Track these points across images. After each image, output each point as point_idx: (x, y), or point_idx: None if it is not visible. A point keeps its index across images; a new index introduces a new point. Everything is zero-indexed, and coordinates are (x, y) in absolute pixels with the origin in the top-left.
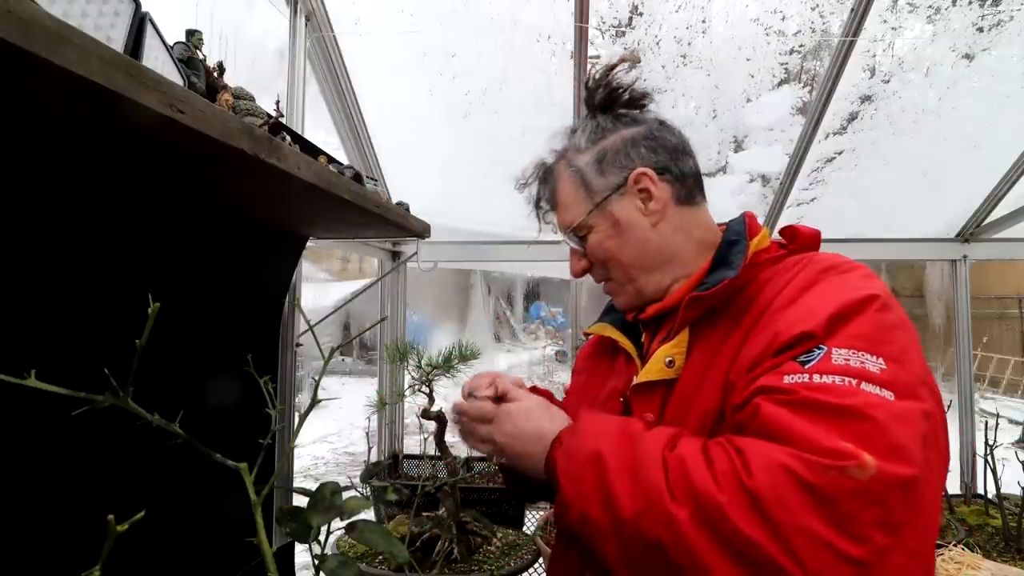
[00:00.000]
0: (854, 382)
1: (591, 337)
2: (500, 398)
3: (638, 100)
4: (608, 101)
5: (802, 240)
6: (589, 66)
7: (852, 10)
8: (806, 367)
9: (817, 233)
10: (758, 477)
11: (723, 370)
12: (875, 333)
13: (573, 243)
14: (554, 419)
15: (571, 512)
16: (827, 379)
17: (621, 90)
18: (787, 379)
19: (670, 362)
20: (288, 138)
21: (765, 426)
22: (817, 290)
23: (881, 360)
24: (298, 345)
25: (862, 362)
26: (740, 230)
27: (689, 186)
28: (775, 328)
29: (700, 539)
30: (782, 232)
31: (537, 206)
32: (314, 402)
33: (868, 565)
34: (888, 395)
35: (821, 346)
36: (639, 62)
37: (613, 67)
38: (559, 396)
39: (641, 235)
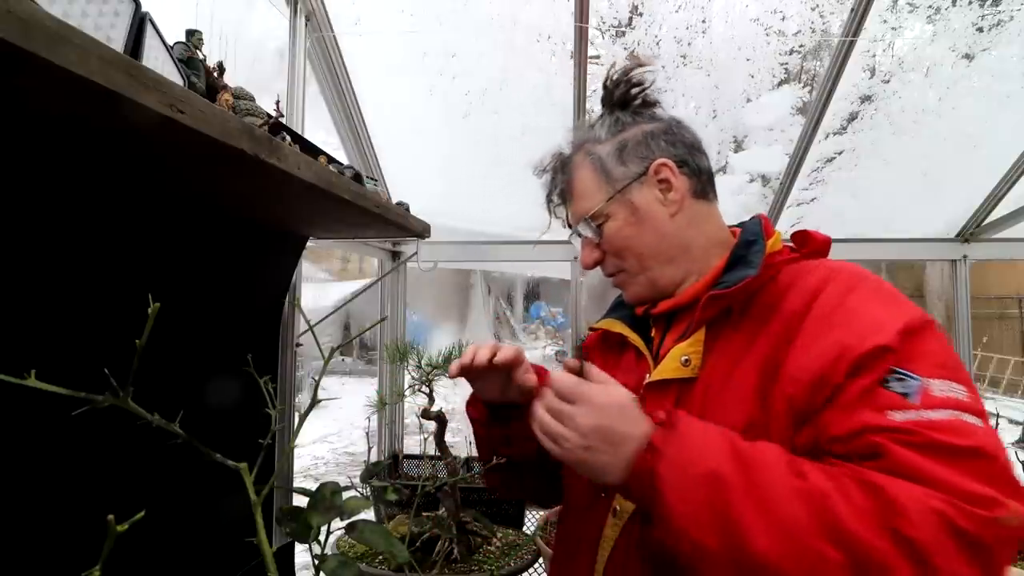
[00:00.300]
0: (961, 416)
1: (593, 333)
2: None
3: (652, 103)
4: (627, 98)
5: (814, 245)
6: (589, 66)
7: (852, 10)
8: (910, 400)
9: (828, 240)
10: (917, 524)
11: (753, 376)
12: (948, 359)
13: (588, 232)
14: (640, 420)
15: (683, 542)
16: (937, 415)
17: (641, 88)
18: (897, 416)
19: (686, 361)
20: (288, 138)
21: (900, 468)
22: (868, 299)
23: (963, 388)
24: (298, 345)
25: (955, 393)
26: (757, 231)
27: (704, 182)
28: (836, 339)
29: None
30: (794, 236)
31: (549, 199)
32: (314, 402)
33: None
34: (981, 424)
35: (914, 376)
36: (651, 66)
37: (632, 68)
38: None
39: (659, 225)
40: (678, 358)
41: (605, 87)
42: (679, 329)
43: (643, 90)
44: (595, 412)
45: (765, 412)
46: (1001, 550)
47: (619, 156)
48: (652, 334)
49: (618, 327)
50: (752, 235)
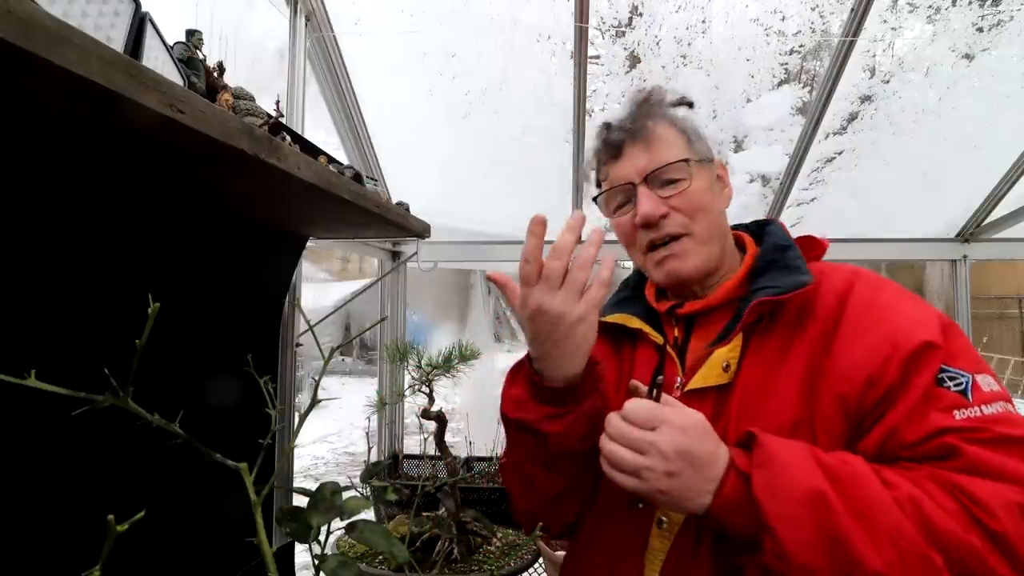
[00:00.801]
0: (1008, 407)
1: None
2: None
3: None
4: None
5: (819, 251)
6: (589, 66)
7: (852, 10)
8: (969, 399)
9: (828, 245)
10: (1002, 518)
11: (797, 378)
12: (976, 353)
13: (661, 186)
14: (719, 441)
15: (792, 564)
16: (991, 409)
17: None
18: (961, 414)
19: (727, 367)
20: (288, 138)
21: (976, 466)
22: (898, 297)
23: (995, 380)
24: (298, 345)
25: (995, 386)
26: (785, 236)
27: None
28: (882, 335)
29: None
30: (800, 241)
31: (610, 141)
32: (314, 402)
33: None
34: (1015, 411)
35: (962, 372)
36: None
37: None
38: None
39: (719, 208)
40: (719, 364)
41: (654, 90)
42: (710, 331)
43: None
44: (678, 434)
45: (811, 412)
46: None
47: (697, 133)
48: (674, 334)
49: (636, 323)
50: (784, 240)
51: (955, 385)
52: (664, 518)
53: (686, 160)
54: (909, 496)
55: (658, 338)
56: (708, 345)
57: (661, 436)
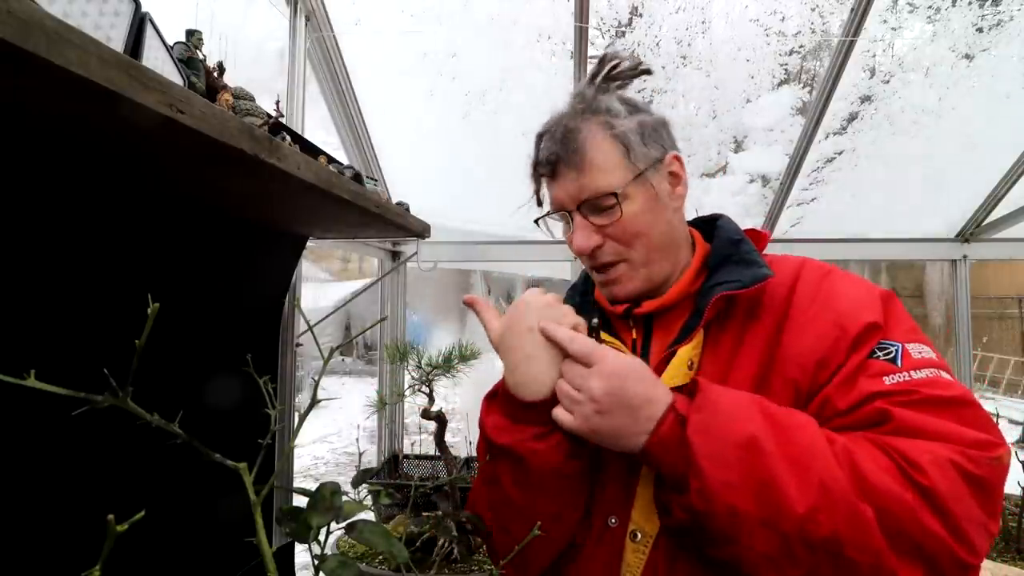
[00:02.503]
0: (939, 372)
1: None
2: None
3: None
4: (618, 74)
5: (763, 243)
6: (589, 66)
7: (852, 10)
8: (899, 365)
9: (770, 236)
10: (932, 475)
11: (752, 368)
12: (912, 324)
13: (595, 213)
14: (658, 384)
15: (716, 504)
16: (921, 374)
17: (636, 66)
18: (890, 379)
19: (691, 364)
20: (288, 138)
21: (905, 428)
22: (841, 281)
23: (929, 348)
24: (298, 345)
25: (926, 353)
26: (736, 229)
27: None
28: (830, 321)
29: (884, 538)
30: (749, 234)
31: (543, 164)
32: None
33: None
34: (951, 377)
35: (893, 342)
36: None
37: (639, 64)
38: None
39: (667, 216)
40: (684, 363)
41: (604, 62)
42: (669, 330)
43: (634, 68)
44: (609, 375)
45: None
46: (999, 488)
47: (641, 137)
48: (632, 336)
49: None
50: (736, 234)
51: (884, 355)
52: (638, 532)
53: (614, 193)
54: (844, 448)
55: (621, 346)
56: (670, 345)
57: (592, 376)
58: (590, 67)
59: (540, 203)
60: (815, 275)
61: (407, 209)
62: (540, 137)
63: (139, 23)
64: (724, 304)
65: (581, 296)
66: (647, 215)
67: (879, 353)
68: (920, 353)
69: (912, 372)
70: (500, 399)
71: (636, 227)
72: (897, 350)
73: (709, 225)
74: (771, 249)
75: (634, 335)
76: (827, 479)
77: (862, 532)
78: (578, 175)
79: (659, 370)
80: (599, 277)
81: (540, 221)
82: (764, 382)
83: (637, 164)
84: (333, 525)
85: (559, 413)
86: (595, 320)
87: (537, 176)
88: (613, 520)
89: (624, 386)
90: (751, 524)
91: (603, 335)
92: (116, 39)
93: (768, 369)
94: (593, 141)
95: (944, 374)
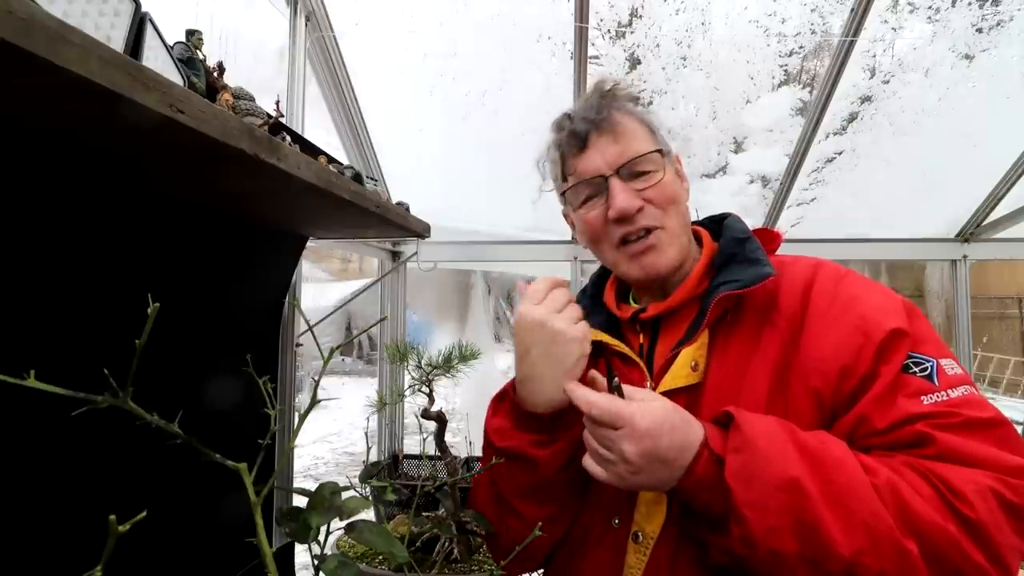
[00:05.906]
0: (971, 389)
1: None
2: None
3: None
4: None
5: (776, 243)
6: (589, 66)
7: (852, 10)
8: (936, 383)
9: (783, 236)
10: (977, 505)
11: (767, 373)
12: (936, 334)
13: (633, 178)
14: (690, 425)
15: (760, 550)
16: (957, 393)
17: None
18: (928, 399)
19: (695, 365)
20: (288, 138)
21: (947, 453)
22: (859, 285)
23: (954, 360)
24: (298, 345)
25: (958, 369)
26: (744, 228)
27: None
28: (851, 325)
29: (927, 570)
30: (756, 234)
31: (560, 146)
32: (314, 402)
33: None
34: (978, 392)
35: (927, 357)
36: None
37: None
38: None
39: (685, 201)
40: (688, 363)
41: (605, 86)
42: (674, 332)
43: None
44: (639, 437)
45: (784, 407)
46: None
47: (657, 127)
48: (640, 340)
49: (607, 338)
50: (742, 233)
51: (920, 371)
52: (640, 533)
53: (659, 151)
54: (887, 482)
55: (626, 349)
56: (674, 346)
57: (624, 439)
58: (590, 68)
59: (565, 178)
60: (832, 277)
61: (407, 209)
62: (562, 118)
63: (139, 23)
64: (730, 305)
65: (591, 299)
66: (678, 186)
67: (915, 369)
68: (953, 370)
69: (949, 391)
70: (507, 403)
71: (673, 193)
72: (932, 367)
73: (718, 225)
74: None
75: (641, 339)
76: (871, 519)
77: (907, 569)
78: (615, 140)
79: (663, 372)
80: (635, 247)
81: (567, 192)
82: (783, 389)
83: (660, 143)
84: (334, 524)
85: (590, 465)
86: (616, 379)
87: (563, 153)
88: (615, 521)
89: (658, 445)
90: (795, 563)
91: (608, 338)
92: (116, 39)
93: (785, 375)
94: (624, 115)
95: (975, 391)
